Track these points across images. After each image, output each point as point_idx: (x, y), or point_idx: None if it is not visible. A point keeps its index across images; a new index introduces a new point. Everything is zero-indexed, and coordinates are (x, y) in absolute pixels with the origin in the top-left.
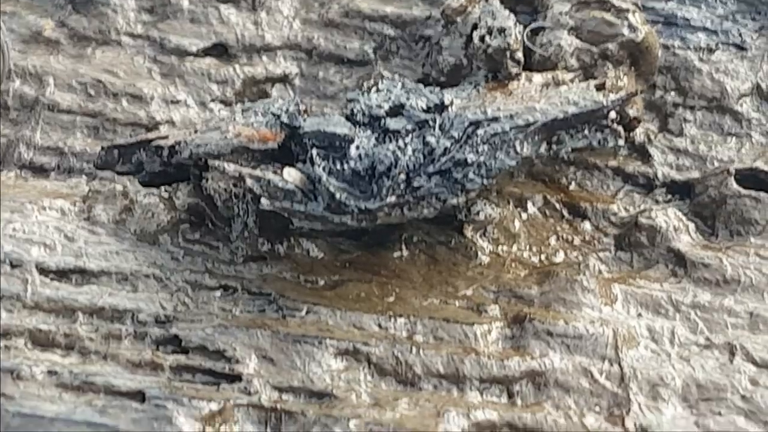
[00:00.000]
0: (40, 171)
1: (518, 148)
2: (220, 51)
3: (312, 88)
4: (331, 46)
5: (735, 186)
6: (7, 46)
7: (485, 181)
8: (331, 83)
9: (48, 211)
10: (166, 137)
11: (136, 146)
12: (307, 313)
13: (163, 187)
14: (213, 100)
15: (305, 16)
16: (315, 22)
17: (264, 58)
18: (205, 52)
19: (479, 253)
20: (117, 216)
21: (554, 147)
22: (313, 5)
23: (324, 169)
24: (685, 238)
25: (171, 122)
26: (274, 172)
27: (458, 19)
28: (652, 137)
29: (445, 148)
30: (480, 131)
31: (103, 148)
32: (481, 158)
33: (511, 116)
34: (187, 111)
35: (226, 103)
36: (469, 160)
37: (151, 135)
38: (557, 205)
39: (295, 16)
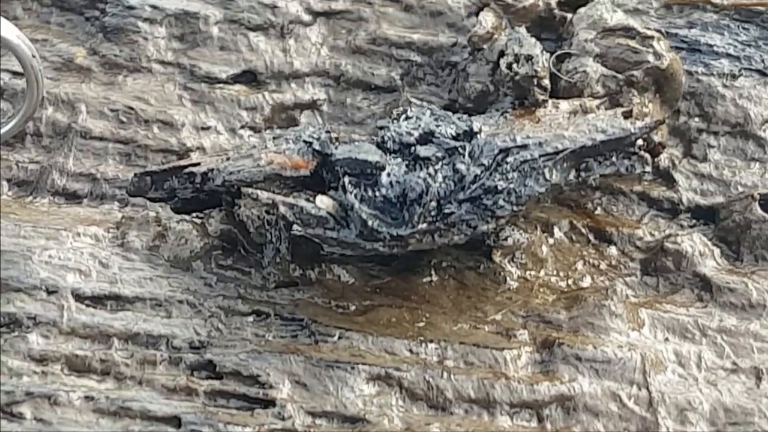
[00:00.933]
0: (73, 197)
1: (547, 175)
2: (250, 78)
3: (340, 114)
4: (358, 73)
5: (759, 211)
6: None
7: (515, 208)
8: (359, 109)
9: (82, 237)
10: (198, 164)
11: (168, 173)
12: (339, 338)
13: (195, 214)
14: (243, 127)
15: (333, 43)
16: (342, 49)
17: (292, 84)
18: (235, 79)
19: (507, 278)
20: (150, 242)
21: (582, 174)
22: (341, 32)
23: (356, 196)
24: (711, 263)
25: (202, 149)
26: (307, 200)
27: (485, 46)
28: (677, 162)
29: (476, 176)
30: (510, 158)
31: (135, 174)
32: (511, 185)
33: (540, 144)
34: (217, 137)
35: (255, 129)
36: (499, 187)
37: (183, 162)
38: (583, 230)
39: (323, 43)
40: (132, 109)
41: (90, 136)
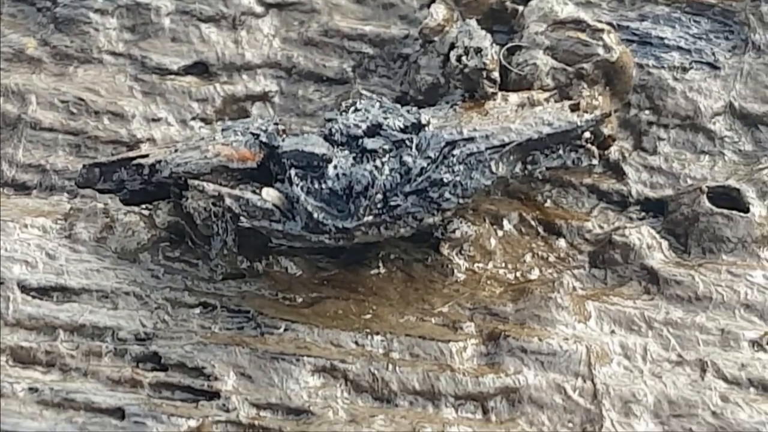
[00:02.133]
0: (22, 188)
1: (493, 168)
2: (201, 69)
3: (291, 106)
4: (310, 65)
5: (707, 204)
6: None
7: (461, 201)
8: (311, 101)
9: (30, 228)
10: (146, 156)
11: (117, 164)
12: (285, 330)
13: (144, 206)
14: (194, 118)
15: (285, 34)
16: (294, 41)
17: (244, 76)
18: (186, 71)
19: (455, 270)
20: (98, 234)
21: (529, 166)
22: (293, 24)
23: (302, 188)
24: (658, 256)
25: (152, 140)
26: (253, 192)
27: (436, 39)
28: (627, 155)
29: (422, 168)
30: (456, 151)
31: (84, 166)
32: (457, 178)
33: (487, 136)
34: (168, 129)
35: (206, 120)
36: (445, 180)
37: (132, 153)
38: (533, 223)
39: (275, 34)
40: (82, 100)
41: (40, 127)
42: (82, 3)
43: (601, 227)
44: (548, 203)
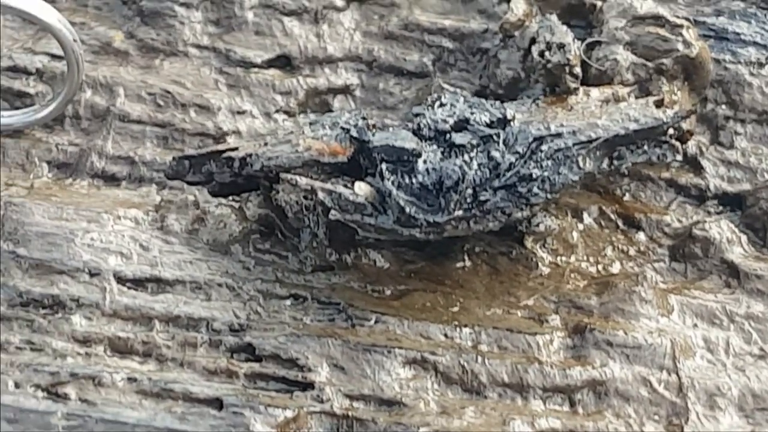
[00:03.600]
0: (112, 180)
1: (581, 164)
2: (284, 62)
3: (372, 99)
4: (390, 58)
5: None
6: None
7: (549, 196)
8: (391, 94)
9: (123, 220)
10: (236, 149)
11: (206, 157)
12: (376, 322)
13: (232, 198)
14: (277, 111)
15: (366, 28)
16: (375, 35)
17: (326, 69)
18: (270, 64)
19: (539, 263)
20: (189, 226)
21: (615, 162)
22: (373, 18)
23: (393, 183)
24: (738, 250)
25: (237, 132)
26: (345, 186)
27: (516, 33)
28: (704, 149)
29: (510, 163)
30: (544, 147)
31: (174, 158)
32: (545, 173)
33: (574, 132)
34: (252, 121)
35: (289, 113)
36: (533, 175)
37: (221, 146)
38: (612, 216)
39: (356, 28)
40: (169, 92)
41: (128, 120)
42: None
43: (679, 221)
44: (627, 197)
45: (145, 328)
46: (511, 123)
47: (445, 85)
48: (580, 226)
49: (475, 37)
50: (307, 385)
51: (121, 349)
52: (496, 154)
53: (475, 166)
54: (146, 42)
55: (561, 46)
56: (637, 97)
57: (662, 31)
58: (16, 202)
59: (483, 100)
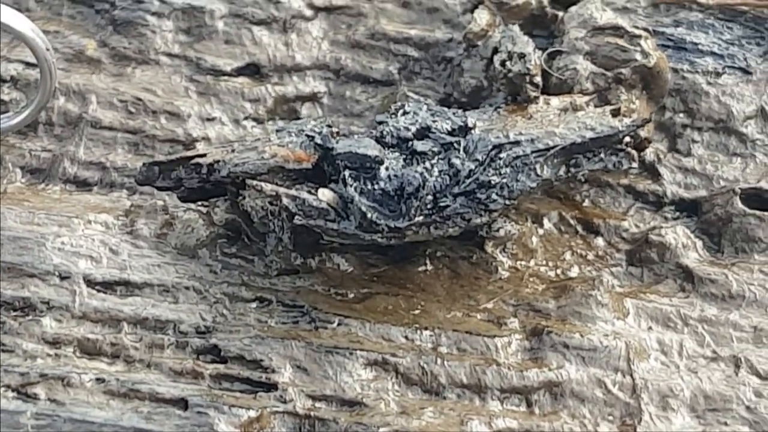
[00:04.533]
0: (84, 185)
1: (539, 171)
2: (253, 71)
3: (339, 107)
4: (357, 67)
5: (740, 205)
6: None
7: (507, 202)
8: (358, 102)
9: (93, 224)
10: (204, 155)
11: (175, 163)
12: (339, 324)
13: (201, 203)
14: (246, 118)
15: (333, 37)
16: (342, 44)
17: (294, 77)
18: (239, 72)
19: (499, 267)
20: (158, 230)
21: (572, 169)
22: (341, 27)
23: (356, 189)
24: (693, 255)
25: (207, 139)
26: (309, 192)
27: (479, 43)
28: (662, 157)
29: (470, 170)
30: (503, 154)
31: (144, 164)
32: (504, 180)
33: (532, 140)
34: (222, 128)
35: (258, 120)
36: (492, 182)
37: (190, 153)
38: (572, 222)
39: (323, 37)
40: (140, 100)
41: (100, 126)
42: (140, 6)
43: (637, 226)
44: (586, 203)
45: (114, 330)
46: (472, 131)
47: (411, 94)
48: (540, 231)
49: (439, 46)
50: (270, 386)
51: (90, 350)
52: (456, 162)
53: (435, 172)
54: (118, 50)
55: (522, 56)
56: (596, 106)
57: (621, 42)
58: None
59: (445, 109)
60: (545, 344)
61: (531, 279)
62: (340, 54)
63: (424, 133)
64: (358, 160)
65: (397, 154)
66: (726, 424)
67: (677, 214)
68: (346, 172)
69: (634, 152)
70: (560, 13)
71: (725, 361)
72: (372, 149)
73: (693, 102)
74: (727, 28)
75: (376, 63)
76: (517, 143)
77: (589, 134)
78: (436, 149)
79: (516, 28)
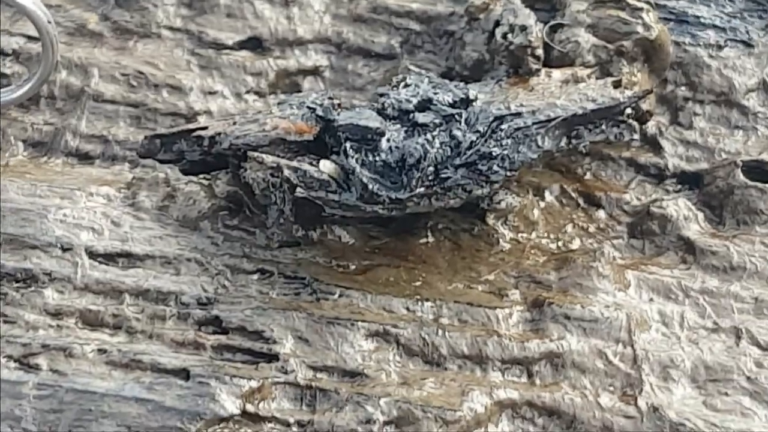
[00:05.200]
0: (86, 158)
1: (540, 142)
2: (255, 44)
3: (341, 80)
4: (359, 40)
5: (742, 177)
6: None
7: (508, 173)
8: (359, 75)
9: (95, 197)
10: (206, 128)
11: (177, 136)
12: (340, 296)
13: (202, 175)
14: (248, 92)
15: (335, 11)
16: (344, 17)
17: (296, 51)
18: (241, 46)
19: (500, 240)
20: (160, 202)
21: (573, 141)
22: (343, 1)
23: (357, 161)
24: (694, 227)
25: (209, 112)
26: (310, 164)
27: (481, 16)
28: (663, 130)
29: (471, 142)
30: (504, 126)
31: (145, 137)
32: (505, 151)
33: (533, 112)
34: (223, 102)
35: (260, 94)
36: (493, 153)
37: (191, 126)
38: (573, 194)
39: (325, 11)
40: (142, 73)
41: (102, 99)
42: None
43: (638, 199)
44: (588, 176)
45: (116, 301)
46: (473, 103)
47: (412, 67)
48: (542, 204)
49: (441, 19)
50: (272, 357)
51: (91, 321)
52: (457, 133)
53: (437, 144)
54: (120, 24)
55: (523, 29)
56: (597, 79)
57: (623, 14)
58: None
59: (447, 81)
60: (546, 315)
61: (532, 251)
62: (341, 28)
63: (425, 105)
64: (360, 132)
65: (398, 126)
66: (727, 394)
67: (679, 186)
68: (348, 144)
69: (635, 124)
70: None
71: (726, 332)
72: (373, 121)
73: (695, 75)
74: (729, 1)
75: (378, 36)
76: (518, 115)
77: (591, 105)
78: (437, 121)
79: (518, 1)
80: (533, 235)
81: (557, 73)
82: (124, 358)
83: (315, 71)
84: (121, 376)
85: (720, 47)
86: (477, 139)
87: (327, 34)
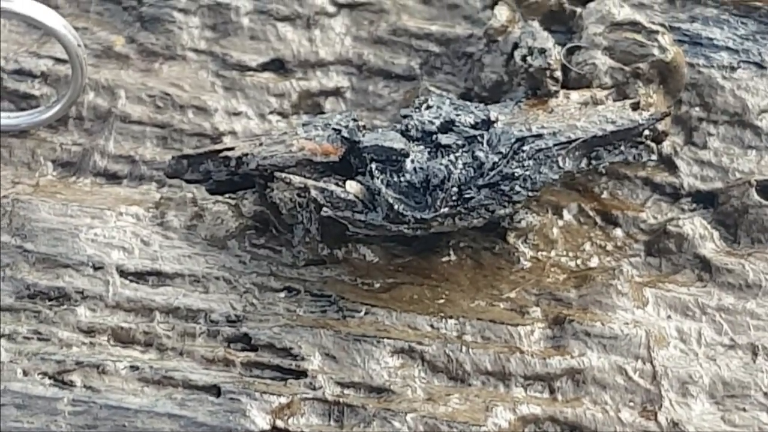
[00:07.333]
0: (114, 178)
1: (561, 163)
2: (278, 66)
3: (362, 101)
4: (379, 62)
5: (756, 197)
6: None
7: (530, 194)
8: (380, 96)
9: (124, 216)
10: (232, 149)
11: (204, 156)
12: (365, 314)
13: (229, 195)
14: (271, 112)
15: (356, 33)
16: (365, 40)
17: (318, 72)
18: (264, 67)
19: (521, 258)
20: (188, 222)
21: (593, 162)
22: (363, 23)
23: (382, 181)
24: (710, 245)
25: (233, 133)
26: (336, 184)
27: (499, 39)
28: (678, 149)
29: (494, 163)
30: (525, 147)
31: (173, 157)
32: (527, 172)
33: (554, 133)
34: (247, 122)
35: (283, 114)
36: (516, 174)
37: (218, 146)
38: (591, 213)
39: (346, 33)
40: (168, 94)
41: (129, 120)
42: (167, 2)
43: (655, 218)
44: (605, 195)
45: (147, 319)
46: (495, 124)
47: (432, 88)
48: (560, 223)
49: (460, 41)
50: (300, 373)
51: (123, 339)
52: (480, 154)
53: (460, 165)
54: (146, 46)
55: (542, 51)
56: (614, 100)
57: (639, 37)
58: (22, 199)
59: (468, 103)
60: (567, 332)
61: (552, 269)
62: (362, 49)
63: (448, 126)
64: (385, 153)
65: (422, 147)
66: (744, 409)
67: (694, 205)
68: (373, 165)
69: (653, 145)
70: (578, 9)
71: (743, 348)
72: (398, 142)
73: (709, 96)
74: (741, 24)
75: (398, 58)
76: (539, 136)
77: (610, 127)
78: (460, 142)
79: (536, 24)
80: (553, 253)
81: (575, 95)
82: (155, 374)
83: (336, 92)
84: (153, 393)
85: (733, 69)
86: (499, 160)
87: (348, 55)
